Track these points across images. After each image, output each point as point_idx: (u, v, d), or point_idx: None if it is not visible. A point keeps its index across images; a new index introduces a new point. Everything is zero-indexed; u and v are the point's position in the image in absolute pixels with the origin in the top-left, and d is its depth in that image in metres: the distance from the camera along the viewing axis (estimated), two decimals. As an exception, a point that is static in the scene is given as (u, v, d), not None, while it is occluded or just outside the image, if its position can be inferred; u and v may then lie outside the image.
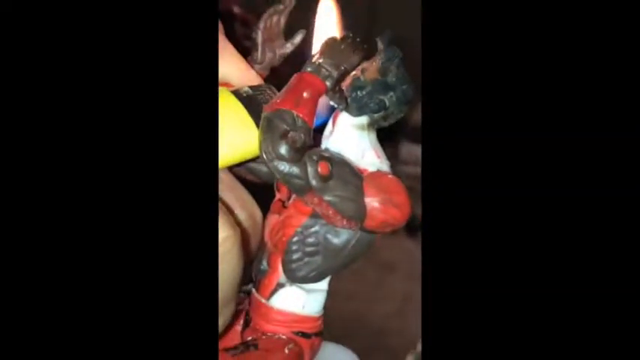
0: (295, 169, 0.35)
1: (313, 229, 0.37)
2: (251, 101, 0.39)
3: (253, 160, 0.39)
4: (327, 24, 0.40)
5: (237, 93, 0.39)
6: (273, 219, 0.39)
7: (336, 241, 0.37)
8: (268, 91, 0.40)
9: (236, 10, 0.48)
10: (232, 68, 0.41)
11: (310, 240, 0.37)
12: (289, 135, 0.35)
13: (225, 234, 0.35)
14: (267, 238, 0.39)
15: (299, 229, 0.38)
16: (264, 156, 0.35)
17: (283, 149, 0.35)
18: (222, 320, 0.37)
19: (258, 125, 0.37)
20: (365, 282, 1.27)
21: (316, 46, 0.40)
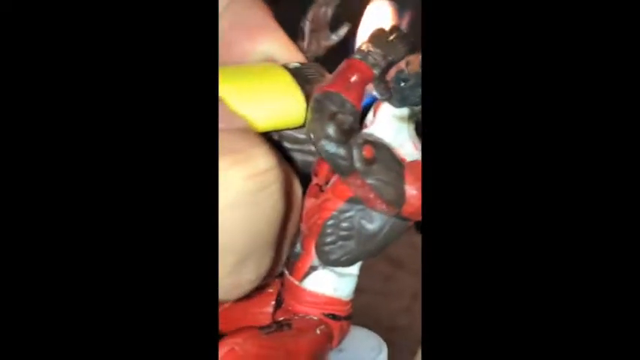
0: (341, 150, 0.34)
1: (349, 214, 0.37)
2: (299, 73, 0.39)
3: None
4: (379, 19, 0.39)
5: (284, 66, 0.39)
6: (309, 203, 0.38)
7: (370, 226, 0.36)
8: (316, 67, 0.40)
9: None
10: (277, 45, 0.40)
11: (345, 224, 0.37)
12: (337, 116, 0.34)
13: (268, 165, 0.33)
14: (302, 221, 0.38)
15: (335, 213, 0.37)
16: (312, 135, 0.35)
17: (331, 130, 0.34)
18: (259, 268, 0.35)
19: (304, 94, 0.37)
20: (374, 277, 1.25)
21: (362, 38, 0.39)
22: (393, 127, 0.37)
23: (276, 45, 0.40)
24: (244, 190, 0.32)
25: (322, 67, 0.40)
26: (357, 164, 0.35)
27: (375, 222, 0.37)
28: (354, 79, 0.35)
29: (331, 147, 0.34)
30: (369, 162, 0.35)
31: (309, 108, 0.35)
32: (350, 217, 0.37)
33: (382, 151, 0.36)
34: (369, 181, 0.35)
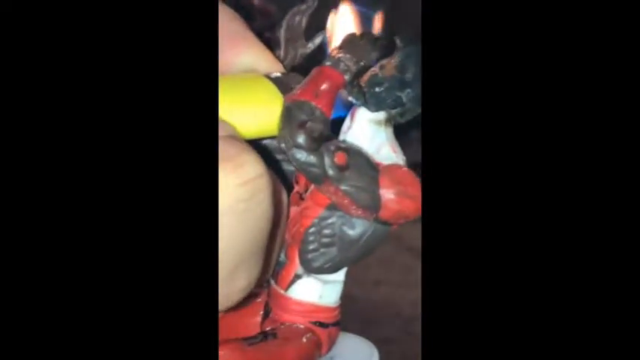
0: (312, 158, 0.33)
1: (330, 221, 0.36)
2: (280, 83, 0.38)
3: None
4: (345, 25, 0.38)
5: (266, 75, 0.38)
6: (291, 211, 0.36)
7: (351, 232, 0.35)
8: (296, 77, 0.39)
9: (256, 1, 0.46)
10: (257, 57, 0.39)
11: (326, 231, 0.35)
12: (307, 125, 0.33)
13: (258, 172, 0.32)
14: (287, 230, 0.36)
15: (316, 220, 0.36)
16: (283, 144, 0.34)
17: (301, 138, 0.33)
18: (249, 276, 0.34)
19: None
20: (393, 268, 1.24)
21: (334, 44, 0.38)
22: (369, 131, 0.36)
23: (256, 56, 0.39)
24: (237, 198, 0.31)
25: (301, 76, 0.39)
26: (330, 171, 0.34)
27: (356, 228, 0.35)
28: (324, 86, 0.34)
29: (302, 155, 0.33)
30: (341, 168, 0.33)
31: (279, 117, 0.34)
32: (331, 223, 0.36)
33: (355, 156, 0.34)
34: (343, 187, 0.34)
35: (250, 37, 0.39)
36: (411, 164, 0.36)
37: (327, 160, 0.33)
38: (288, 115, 0.33)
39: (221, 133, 0.33)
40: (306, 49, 0.40)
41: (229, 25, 0.39)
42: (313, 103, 0.33)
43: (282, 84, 0.37)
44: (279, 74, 0.38)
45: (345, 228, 0.35)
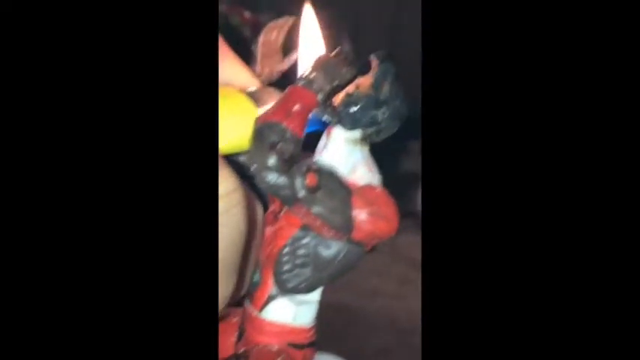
0: (283, 180, 0.33)
1: (304, 241, 0.35)
2: (256, 97, 0.37)
3: None
4: (311, 39, 0.37)
5: (242, 90, 0.38)
6: (267, 231, 0.36)
7: (325, 253, 0.35)
8: (272, 93, 0.38)
9: (246, 14, 0.45)
10: (234, 72, 0.39)
11: (301, 251, 0.35)
12: (278, 146, 0.32)
13: (233, 187, 0.33)
14: (262, 250, 0.36)
15: (290, 241, 0.35)
16: (253, 166, 0.33)
17: (272, 160, 0.33)
18: (222, 293, 0.34)
19: None
20: (390, 279, 1.23)
21: (302, 62, 0.37)
22: (345, 150, 0.36)
23: (232, 70, 0.39)
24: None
25: (277, 91, 0.38)
26: (300, 193, 0.33)
27: (330, 248, 0.35)
28: (296, 107, 0.33)
29: (273, 177, 0.33)
30: (312, 190, 0.33)
31: (250, 138, 0.33)
32: (305, 244, 0.35)
33: (326, 177, 0.34)
34: (314, 209, 0.33)
35: (226, 51, 0.39)
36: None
37: (298, 182, 0.33)
38: (259, 136, 0.33)
39: None
40: (283, 66, 0.40)
41: None
42: (284, 124, 0.33)
43: (257, 99, 0.37)
44: (254, 89, 0.38)
45: (319, 248, 0.35)
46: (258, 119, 0.34)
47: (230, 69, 0.39)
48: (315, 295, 0.37)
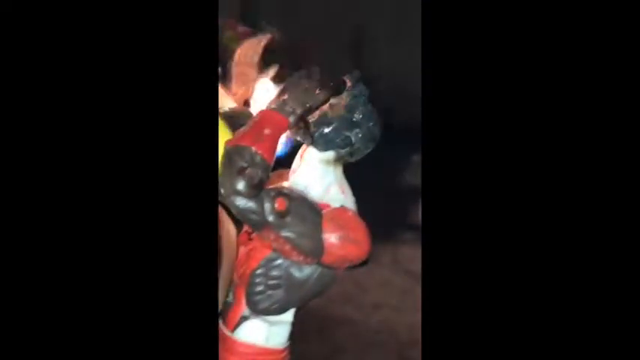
0: (252, 205, 0.33)
1: (276, 263, 0.35)
2: (229, 118, 0.38)
3: None
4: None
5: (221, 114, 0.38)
6: (240, 251, 0.36)
7: (298, 274, 0.35)
8: (247, 113, 0.38)
9: (240, 29, 0.45)
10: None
11: (273, 273, 0.35)
12: (247, 171, 0.32)
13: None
14: (235, 271, 0.36)
15: (262, 262, 0.36)
16: (222, 191, 0.33)
17: (240, 185, 0.33)
18: None
19: None
20: (392, 292, 1.22)
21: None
22: (318, 171, 0.36)
23: None
24: None
25: (251, 112, 0.38)
26: (270, 217, 0.33)
27: (303, 270, 0.36)
28: (266, 131, 0.34)
29: (241, 202, 0.33)
30: (281, 214, 0.33)
31: (221, 159, 0.33)
32: (278, 265, 0.36)
33: (296, 202, 0.34)
34: (283, 234, 0.34)
35: None
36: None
37: (267, 206, 0.33)
38: (228, 161, 0.33)
39: None
40: (259, 83, 0.40)
41: None
42: (254, 149, 0.33)
43: (231, 120, 0.37)
44: (227, 109, 0.38)
45: (292, 270, 0.35)
46: (227, 143, 0.34)
47: None
48: (288, 317, 0.37)
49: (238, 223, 0.37)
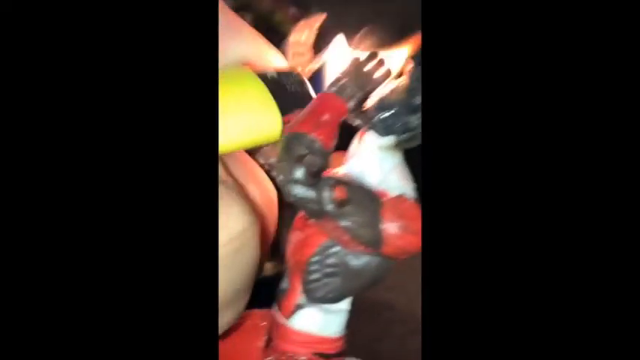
0: (310, 193, 0.32)
1: (333, 250, 0.34)
2: (277, 85, 0.36)
3: None
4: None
5: (262, 76, 0.36)
6: (295, 236, 0.35)
7: (355, 262, 0.34)
8: (295, 76, 0.37)
9: (292, 11, 0.44)
10: (251, 47, 0.37)
11: (330, 261, 0.34)
12: (306, 159, 0.31)
13: (244, 225, 0.33)
14: (288, 255, 0.35)
15: (319, 249, 0.34)
16: (280, 177, 0.32)
17: (299, 173, 0.32)
18: (236, 312, 0.36)
19: (282, 110, 0.35)
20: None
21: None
22: (377, 156, 0.35)
23: (250, 47, 0.37)
24: (221, 256, 0.32)
25: (300, 76, 0.37)
26: (329, 207, 0.32)
27: (360, 259, 0.34)
28: (325, 116, 0.32)
29: (300, 190, 0.32)
30: (341, 204, 0.32)
31: (279, 148, 0.32)
32: (335, 253, 0.34)
33: (356, 190, 0.33)
34: (342, 223, 0.32)
35: (241, 25, 0.37)
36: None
37: (325, 195, 0.32)
38: (286, 148, 0.32)
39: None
40: (314, 65, 0.38)
41: (225, 17, 0.37)
42: (313, 135, 0.32)
43: (277, 84, 0.35)
44: (275, 74, 0.36)
45: (348, 258, 0.34)
46: (287, 128, 0.33)
47: (248, 42, 0.37)
48: (344, 305, 0.36)
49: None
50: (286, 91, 0.35)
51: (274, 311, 0.36)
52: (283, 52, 0.37)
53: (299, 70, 0.37)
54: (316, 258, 0.34)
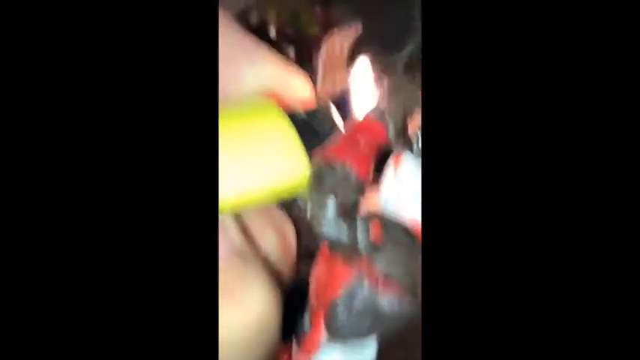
0: (343, 231, 0.28)
1: (363, 289, 0.31)
2: (307, 128, 0.32)
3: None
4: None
5: (292, 116, 0.32)
6: (319, 270, 0.32)
7: (387, 303, 0.31)
8: (329, 117, 0.33)
9: (317, 11, 0.41)
10: (274, 73, 0.33)
11: (358, 301, 0.31)
12: (339, 192, 0.28)
13: (264, 306, 0.30)
14: (311, 290, 0.32)
15: (346, 287, 0.31)
16: (309, 211, 0.29)
17: (331, 208, 0.28)
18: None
19: (310, 153, 0.31)
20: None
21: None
22: (416, 185, 0.31)
23: (272, 72, 0.33)
24: (243, 336, 0.30)
25: (333, 115, 0.33)
26: (362, 247, 0.29)
27: (393, 299, 0.31)
28: (362, 144, 0.29)
29: (330, 228, 0.28)
30: (376, 243, 0.29)
31: (308, 181, 0.29)
32: (364, 292, 0.31)
33: (393, 227, 0.30)
34: (378, 264, 0.29)
35: (265, 49, 0.34)
36: None
37: (360, 234, 0.29)
38: (318, 179, 0.29)
39: (232, 249, 0.29)
40: (348, 81, 0.35)
41: (239, 39, 0.34)
42: (349, 165, 0.28)
43: (307, 128, 0.32)
44: (304, 115, 0.33)
45: (380, 298, 0.31)
46: (319, 154, 0.29)
47: (270, 66, 0.33)
48: (372, 346, 0.33)
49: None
50: (317, 136, 0.32)
51: (294, 347, 0.33)
52: (313, 67, 0.34)
53: (330, 107, 0.34)
54: (343, 297, 0.31)
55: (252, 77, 0.33)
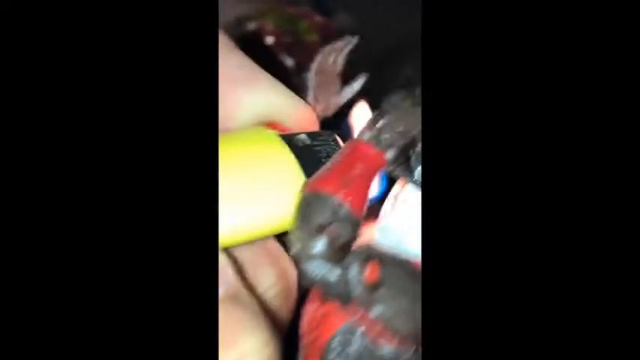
0: (334, 273, 0.25)
1: (357, 334, 0.28)
2: (307, 153, 0.30)
3: None
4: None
5: (291, 142, 0.30)
6: (311, 309, 0.29)
7: (383, 351, 0.27)
8: (330, 142, 0.31)
9: (317, 18, 0.39)
10: (274, 98, 0.32)
11: (353, 347, 0.28)
12: (329, 228, 0.25)
13: (263, 342, 0.27)
14: (302, 332, 0.29)
15: (339, 331, 0.29)
16: (295, 249, 0.26)
17: (319, 246, 0.26)
18: None
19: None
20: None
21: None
22: (418, 216, 0.28)
23: (272, 98, 0.32)
24: None
25: (337, 139, 0.31)
26: (357, 290, 0.26)
27: (391, 348, 0.27)
28: (357, 171, 0.26)
29: (319, 268, 0.26)
30: (373, 286, 0.25)
31: (295, 209, 0.26)
32: (358, 337, 0.28)
33: (392, 267, 0.26)
34: (375, 310, 0.26)
35: (264, 75, 0.32)
36: None
37: (353, 277, 0.25)
38: (304, 212, 0.26)
39: (229, 286, 0.27)
40: (342, 97, 0.32)
41: (237, 63, 0.32)
42: (340, 197, 0.25)
43: (308, 154, 0.29)
44: (307, 140, 0.30)
45: (375, 344, 0.28)
46: (306, 185, 0.26)
47: (268, 91, 0.31)
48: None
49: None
50: (320, 161, 0.29)
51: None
52: (305, 84, 0.31)
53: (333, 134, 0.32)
54: (336, 342, 0.28)
55: (248, 106, 0.31)
